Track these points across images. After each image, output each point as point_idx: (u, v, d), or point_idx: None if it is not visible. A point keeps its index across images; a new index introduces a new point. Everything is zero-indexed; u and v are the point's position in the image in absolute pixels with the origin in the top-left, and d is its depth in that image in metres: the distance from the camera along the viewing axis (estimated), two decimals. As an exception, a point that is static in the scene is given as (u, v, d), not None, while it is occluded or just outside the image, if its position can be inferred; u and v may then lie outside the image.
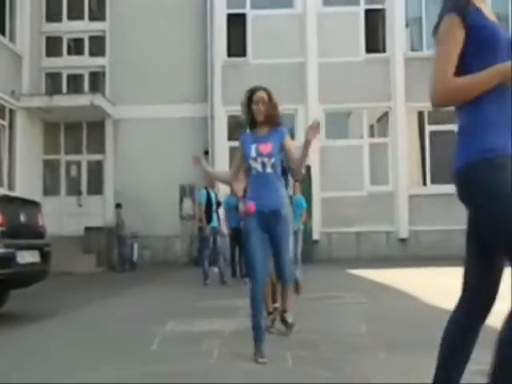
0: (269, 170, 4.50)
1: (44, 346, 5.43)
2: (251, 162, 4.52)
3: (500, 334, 2.42)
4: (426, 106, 17.72)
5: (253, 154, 4.50)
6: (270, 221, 4.47)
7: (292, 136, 16.85)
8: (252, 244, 4.45)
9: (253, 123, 4.67)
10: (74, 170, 18.78)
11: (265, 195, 4.51)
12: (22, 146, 17.27)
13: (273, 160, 4.51)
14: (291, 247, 5.28)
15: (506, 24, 17.69)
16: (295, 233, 11.22)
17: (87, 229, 17.46)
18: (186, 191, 18.18)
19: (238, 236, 10.77)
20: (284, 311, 5.53)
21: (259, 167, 4.50)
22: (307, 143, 4.36)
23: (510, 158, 2.24)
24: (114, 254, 16.92)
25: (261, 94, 4.57)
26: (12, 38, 17.13)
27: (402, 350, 4.67)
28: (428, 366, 4.16)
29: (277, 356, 4.49)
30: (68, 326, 6.66)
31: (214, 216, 11.72)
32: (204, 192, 11.53)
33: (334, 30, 18.14)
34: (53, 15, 19.16)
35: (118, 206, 17.03)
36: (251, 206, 4.45)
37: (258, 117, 4.56)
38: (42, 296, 8.99)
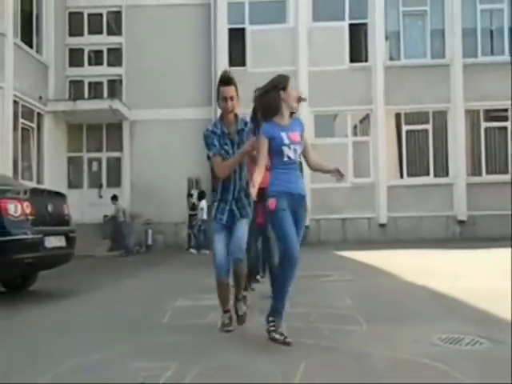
0: (298, 157, 4.24)
1: (68, 322, 5.42)
2: (284, 148, 4.09)
3: None
4: (403, 108, 17.84)
5: (286, 141, 4.10)
6: (296, 204, 4.14)
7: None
8: (288, 220, 4.04)
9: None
10: (95, 166, 18.75)
11: (295, 180, 4.20)
12: (48, 145, 17.23)
13: (301, 148, 4.23)
14: None
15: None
16: None
17: (106, 217, 17.44)
18: (193, 183, 18.23)
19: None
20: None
21: (292, 154, 4.12)
22: (332, 171, 4.38)
23: None
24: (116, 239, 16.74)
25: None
26: (39, 50, 17.05)
27: (382, 321, 4.68)
28: (404, 334, 4.19)
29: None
30: (89, 303, 6.66)
31: None
32: None
33: (322, 42, 18.11)
34: (75, 30, 19.09)
35: (114, 197, 16.80)
36: (272, 202, 4.03)
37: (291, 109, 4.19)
38: (67, 276, 8.99)
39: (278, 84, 4.15)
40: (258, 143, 4.16)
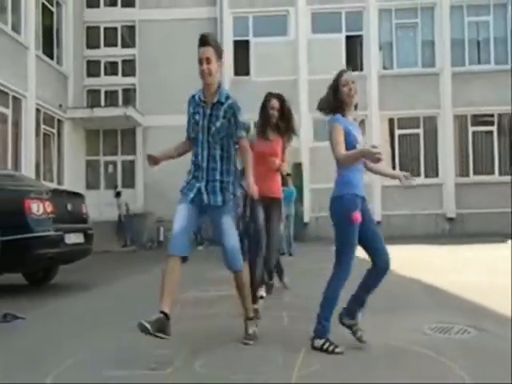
0: None
1: (85, 312, 5.44)
2: (359, 146, 3.55)
3: None
4: (396, 114, 17.82)
5: (359, 138, 3.60)
6: (363, 206, 3.67)
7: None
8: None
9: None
10: (110, 168, 18.78)
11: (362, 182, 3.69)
12: (68, 150, 17.30)
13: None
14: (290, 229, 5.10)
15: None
16: (287, 217, 11.07)
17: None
18: (201, 184, 18.24)
19: None
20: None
21: None
22: (396, 177, 3.93)
23: None
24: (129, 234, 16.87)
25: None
26: (59, 62, 17.12)
27: (376, 312, 4.66)
28: (397, 324, 4.19)
29: (275, 317, 4.49)
30: (105, 295, 6.67)
31: None
32: None
33: (321, 52, 18.09)
34: (92, 43, 19.14)
35: (118, 194, 17.13)
36: (358, 216, 3.54)
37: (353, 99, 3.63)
38: (86, 270, 9.01)
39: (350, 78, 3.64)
40: (335, 132, 3.54)
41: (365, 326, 4.19)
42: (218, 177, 3.72)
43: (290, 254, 11.21)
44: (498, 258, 9.65)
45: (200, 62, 3.72)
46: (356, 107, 3.74)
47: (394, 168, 17.99)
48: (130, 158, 18.77)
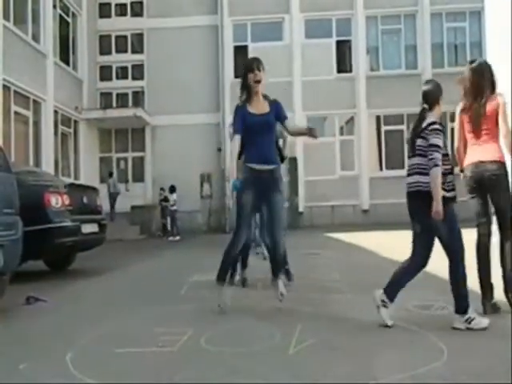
0: None
1: (102, 293, 5.46)
2: None
3: None
4: (382, 111, 17.79)
5: None
6: None
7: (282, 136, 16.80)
8: None
9: None
10: (122, 164, 18.74)
11: None
12: (83, 147, 17.27)
13: None
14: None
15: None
16: None
17: (133, 207, 17.49)
18: (205, 177, 18.27)
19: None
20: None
21: None
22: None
23: None
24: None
25: None
26: (75, 68, 17.05)
27: (363, 291, 4.68)
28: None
29: (269, 297, 4.50)
30: (119, 278, 6.70)
31: None
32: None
33: (313, 56, 18.03)
34: (105, 50, 19.05)
35: (110, 174, 17.12)
36: None
37: None
38: (100, 257, 9.04)
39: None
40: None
41: (353, 303, 4.22)
42: None
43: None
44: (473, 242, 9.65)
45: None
46: None
47: (380, 162, 18.00)
48: (139, 154, 18.75)
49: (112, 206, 16.59)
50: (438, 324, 3.45)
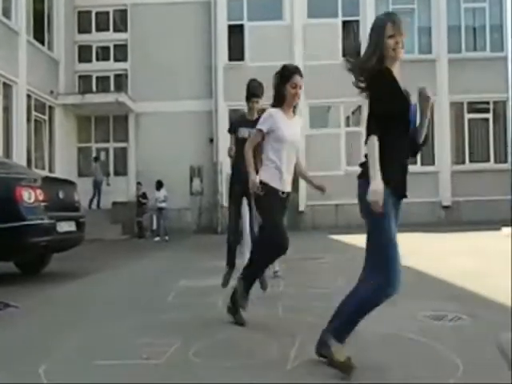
0: None
1: (80, 299, 5.46)
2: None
3: None
4: (392, 100, 17.77)
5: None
6: None
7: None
8: None
9: None
10: (103, 156, 18.69)
11: None
12: (59, 136, 17.21)
13: None
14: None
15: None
16: None
17: (114, 203, 17.47)
18: (195, 171, 18.24)
19: None
20: None
21: None
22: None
23: None
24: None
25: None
26: (50, 47, 16.96)
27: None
28: (391, 311, 4.21)
29: (269, 306, 4.51)
30: (100, 283, 6.69)
31: None
32: None
33: (317, 37, 18.01)
34: (83, 28, 18.99)
35: (96, 159, 17.82)
36: None
37: None
38: (78, 258, 9.02)
39: None
40: None
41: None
42: None
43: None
44: (492, 245, 9.73)
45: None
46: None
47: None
48: (122, 145, 18.70)
49: (95, 194, 17.21)
50: (452, 336, 3.46)
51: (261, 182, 3.82)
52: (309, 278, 6.20)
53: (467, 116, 18.19)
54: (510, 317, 3.79)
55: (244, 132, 5.17)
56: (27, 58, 14.75)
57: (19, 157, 13.98)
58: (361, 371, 2.83)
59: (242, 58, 18.21)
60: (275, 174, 3.86)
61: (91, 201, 17.20)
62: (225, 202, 16.63)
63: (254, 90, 5.17)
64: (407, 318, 3.94)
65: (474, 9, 18.31)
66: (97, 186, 17.39)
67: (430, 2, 18.17)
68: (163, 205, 15.73)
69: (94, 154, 18.47)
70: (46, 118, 16.63)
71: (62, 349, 3.36)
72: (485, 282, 5.46)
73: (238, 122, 5.43)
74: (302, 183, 17.43)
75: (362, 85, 3.01)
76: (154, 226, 16.72)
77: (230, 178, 5.31)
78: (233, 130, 5.39)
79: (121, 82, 18.99)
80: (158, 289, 5.77)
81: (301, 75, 3.92)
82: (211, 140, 17.95)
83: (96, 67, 19.03)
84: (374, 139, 2.72)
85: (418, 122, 3.07)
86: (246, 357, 3.13)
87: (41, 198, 6.40)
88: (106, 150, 18.84)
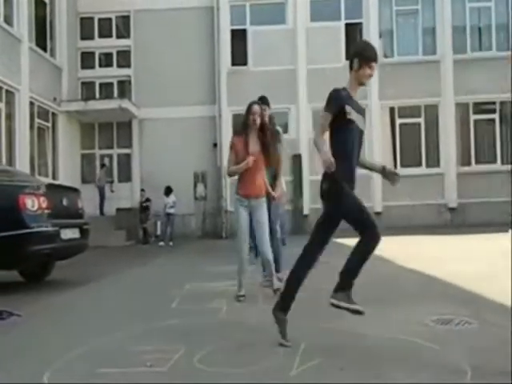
0: None
1: (84, 307, 5.46)
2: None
3: None
4: (397, 102, 17.77)
5: None
6: None
7: (285, 131, 16.85)
8: None
9: None
10: (106, 162, 18.72)
11: None
12: (63, 143, 17.27)
13: None
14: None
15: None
16: None
17: (118, 210, 17.51)
18: (199, 177, 18.26)
19: None
20: None
21: None
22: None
23: None
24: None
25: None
26: (53, 54, 17.05)
27: (376, 303, 4.68)
28: (397, 316, 4.20)
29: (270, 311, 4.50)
30: (104, 289, 6.69)
31: None
32: None
33: (320, 41, 18.03)
34: (86, 34, 19.08)
35: (102, 166, 18.28)
36: None
37: None
38: (82, 266, 9.03)
39: None
40: None
41: (365, 317, 4.21)
42: None
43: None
44: (499, 247, 9.67)
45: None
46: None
47: (394, 159, 17.99)
48: (125, 151, 18.75)
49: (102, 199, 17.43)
50: (460, 341, 3.44)
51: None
52: (314, 282, 6.16)
53: (473, 117, 18.13)
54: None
55: None
56: (30, 65, 14.82)
57: (22, 164, 14.02)
58: (361, 380, 2.82)
59: (245, 63, 18.24)
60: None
61: (101, 206, 17.39)
62: (229, 206, 16.64)
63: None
64: (414, 323, 3.92)
65: (480, 8, 18.25)
66: (101, 192, 17.49)
67: (434, 2, 18.15)
68: (172, 210, 15.79)
69: (98, 161, 18.57)
70: (49, 125, 16.69)
71: (66, 357, 3.35)
72: (492, 285, 5.43)
73: None
74: (306, 187, 17.42)
75: None
76: (158, 232, 16.75)
77: None
78: None
79: (124, 88, 19.06)
80: (162, 295, 5.76)
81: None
82: (215, 145, 17.97)
83: (99, 74, 19.11)
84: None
85: None
86: (251, 363, 3.12)
87: (44, 205, 6.41)
88: (110, 157, 18.88)
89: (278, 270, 5.58)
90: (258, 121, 5.07)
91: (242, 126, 5.19)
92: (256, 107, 5.10)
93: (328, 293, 3.86)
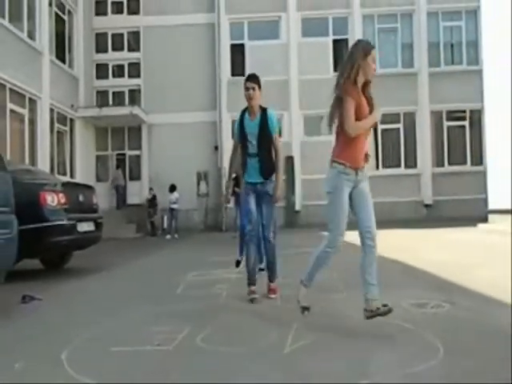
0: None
1: (98, 292, 5.44)
2: None
3: None
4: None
5: None
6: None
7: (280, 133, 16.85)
8: None
9: None
10: (118, 163, 18.69)
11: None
12: (79, 145, 17.24)
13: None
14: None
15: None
16: None
17: (129, 205, 17.50)
18: (202, 176, 18.26)
19: None
20: None
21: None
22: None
23: None
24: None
25: None
26: (71, 65, 17.00)
27: (360, 289, 4.69)
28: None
29: (269, 296, 4.50)
30: (115, 277, 6.67)
31: None
32: None
33: (310, 54, 18.04)
34: (101, 48, 19.04)
35: (118, 167, 18.36)
36: None
37: None
38: (96, 255, 9.01)
39: None
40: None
41: (350, 302, 4.22)
42: None
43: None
44: (469, 239, 9.71)
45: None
46: None
47: (377, 160, 18.01)
48: (136, 152, 18.73)
49: (118, 196, 17.62)
50: (433, 322, 3.44)
51: None
52: (304, 270, 6.17)
53: (446, 123, 18.19)
54: (485, 304, 3.78)
55: None
56: (50, 75, 14.78)
57: (43, 164, 13.99)
58: (347, 356, 2.82)
59: (243, 74, 18.16)
60: None
61: (118, 201, 17.55)
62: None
63: None
64: (394, 306, 3.91)
65: (452, 27, 18.36)
66: (118, 190, 17.49)
67: (412, 20, 18.20)
68: (175, 206, 15.76)
69: (110, 162, 18.53)
70: (67, 129, 16.64)
71: (82, 337, 3.35)
72: (463, 272, 5.44)
73: None
74: (298, 187, 17.42)
75: None
76: (165, 225, 16.72)
77: None
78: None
79: (134, 96, 19.02)
80: (168, 282, 5.74)
81: None
82: (216, 148, 17.95)
83: (112, 83, 19.06)
84: None
85: None
86: (248, 341, 3.12)
87: (62, 201, 6.40)
88: (122, 158, 18.85)
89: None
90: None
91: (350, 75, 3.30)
92: (374, 53, 3.36)
93: (319, 281, 3.87)
